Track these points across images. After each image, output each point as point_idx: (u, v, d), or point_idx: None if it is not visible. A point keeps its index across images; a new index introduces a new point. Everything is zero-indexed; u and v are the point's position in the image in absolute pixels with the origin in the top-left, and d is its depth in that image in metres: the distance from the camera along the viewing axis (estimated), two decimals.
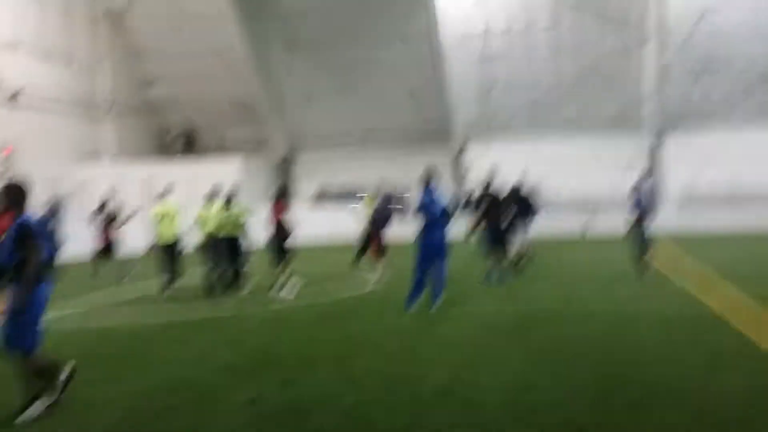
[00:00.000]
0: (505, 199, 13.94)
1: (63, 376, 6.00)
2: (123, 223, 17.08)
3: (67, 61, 28.08)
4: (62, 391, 5.98)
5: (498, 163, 30.12)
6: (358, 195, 15.80)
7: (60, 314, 11.25)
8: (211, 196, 13.59)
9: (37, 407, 5.82)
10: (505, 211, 13.75)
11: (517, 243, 14.64)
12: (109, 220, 17.21)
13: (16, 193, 5.87)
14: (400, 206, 14.39)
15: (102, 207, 17.54)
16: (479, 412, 5.64)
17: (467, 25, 29.32)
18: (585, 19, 28.54)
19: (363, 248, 16.20)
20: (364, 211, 15.70)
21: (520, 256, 14.87)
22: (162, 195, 13.92)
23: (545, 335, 8.53)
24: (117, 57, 30.96)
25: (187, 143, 33.38)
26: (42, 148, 25.74)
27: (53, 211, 16.73)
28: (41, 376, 5.91)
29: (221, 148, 34.23)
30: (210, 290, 12.95)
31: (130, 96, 31.93)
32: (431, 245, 10.57)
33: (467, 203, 12.65)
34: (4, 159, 23.85)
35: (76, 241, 17.68)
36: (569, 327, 8.95)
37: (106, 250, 17.12)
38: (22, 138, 24.77)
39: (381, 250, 14.61)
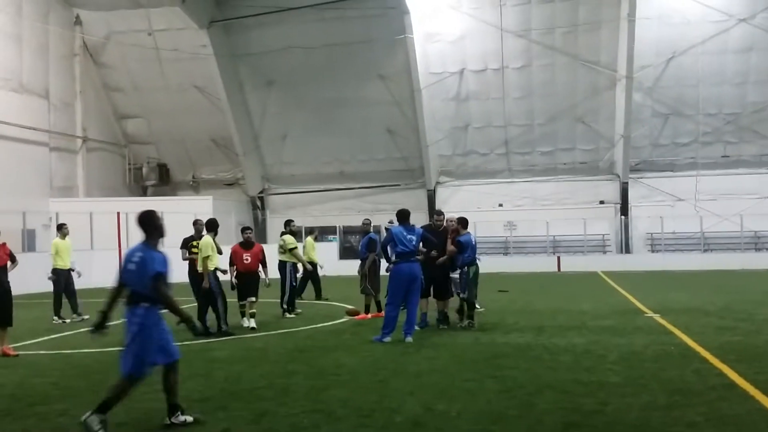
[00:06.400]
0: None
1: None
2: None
3: (42, 95, 27.98)
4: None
5: (470, 201, 30.70)
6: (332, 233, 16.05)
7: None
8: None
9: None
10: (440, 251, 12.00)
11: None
12: None
13: None
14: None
15: None
16: None
17: (444, 63, 29.75)
18: (557, 60, 29.08)
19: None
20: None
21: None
22: (60, 228, 15.10)
23: (516, 366, 8.63)
24: (92, 92, 30.91)
25: (159, 179, 33.27)
26: (14, 180, 25.51)
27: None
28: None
29: (195, 184, 34.18)
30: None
31: (103, 131, 31.85)
32: (404, 278, 10.65)
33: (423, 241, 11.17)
34: None
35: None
36: (539, 358, 9.15)
37: None
38: None
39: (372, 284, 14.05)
